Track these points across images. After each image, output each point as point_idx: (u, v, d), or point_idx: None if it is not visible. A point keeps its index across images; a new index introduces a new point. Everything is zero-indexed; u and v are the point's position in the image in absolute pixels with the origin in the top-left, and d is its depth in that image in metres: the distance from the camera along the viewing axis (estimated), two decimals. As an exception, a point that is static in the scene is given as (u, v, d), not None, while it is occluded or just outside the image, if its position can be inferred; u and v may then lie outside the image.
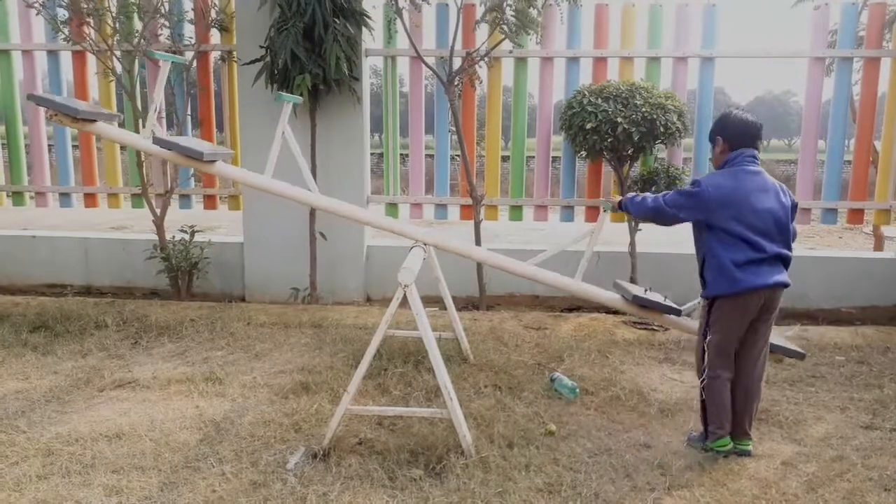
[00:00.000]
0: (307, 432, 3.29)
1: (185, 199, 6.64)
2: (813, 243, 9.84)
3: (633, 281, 5.76)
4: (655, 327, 5.22)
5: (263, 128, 5.84)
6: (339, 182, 6.01)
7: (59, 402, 3.60)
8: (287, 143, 3.97)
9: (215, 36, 6.32)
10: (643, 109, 5.32)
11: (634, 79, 5.99)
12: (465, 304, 5.92)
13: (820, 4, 5.92)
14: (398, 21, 5.72)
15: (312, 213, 5.86)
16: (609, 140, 5.43)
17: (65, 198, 6.68)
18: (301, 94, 5.36)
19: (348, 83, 5.66)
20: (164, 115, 6.23)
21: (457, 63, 5.73)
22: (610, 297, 3.72)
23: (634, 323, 5.28)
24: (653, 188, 5.72)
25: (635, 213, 3.42)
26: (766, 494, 2.82)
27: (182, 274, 6.04)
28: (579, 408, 3.69)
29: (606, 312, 5.78)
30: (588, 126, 5.40)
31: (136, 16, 6.03)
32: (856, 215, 6.17)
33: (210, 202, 6.64)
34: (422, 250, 3.55)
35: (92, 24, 5.93)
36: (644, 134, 5.35)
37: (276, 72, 5.49)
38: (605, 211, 3.64)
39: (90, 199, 6.66)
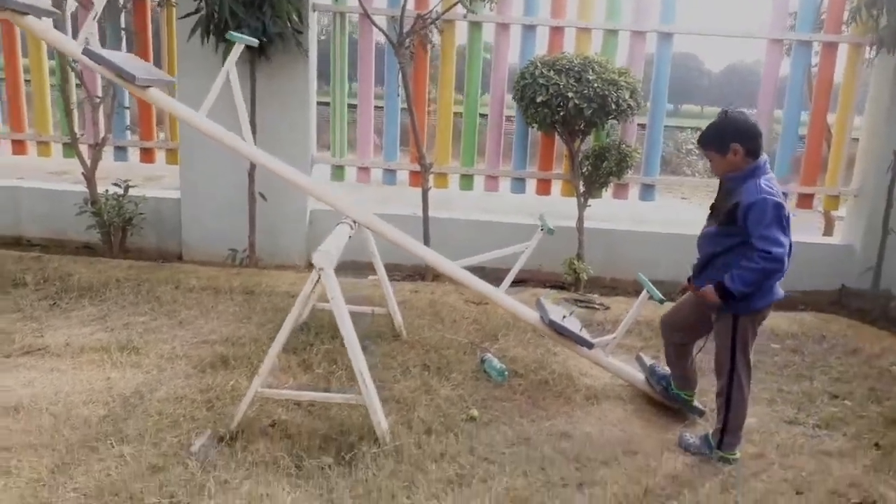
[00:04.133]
0: (219, 411, 3.16)
1: (121, 151, 6.33)
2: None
3: (579, 256, 5.70)
4: (596, 306, 5.17)
5: (202, 79, 5.54)
6: (282, 141, 5.77)
7: (-43, 370, 3.41)
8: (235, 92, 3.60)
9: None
10: (595, 85, 5.17)
11: (591, 51, 5.84)
12: (410, 273, 5.80)
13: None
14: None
15: (252, 171, 5.63)
16: (560, 114, 5.29)
17: (-9, 143, 6.34)
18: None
19: (293, 37, 5.39)
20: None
21: (408, 25, 5.48)
22: (531, 315, 3.62)
23: (577, 300, 5.23)
24: (603, 164, 5.61)
25: (741, 294, 2.87)
26: (679, 495, 2.79)
27: (115, 230, 5.79)
28: (506, 391, 3.62)
29: (552, 287, 5.74)
30: (539, 99, 5.25)
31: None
32: (806, 200, 6.15)
33: (147, 155, 6.34)
34: (349, 228, 3.40)
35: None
36: (595, 110, 5.22)
37: (212, 25, 5.20)
38: (541, 231, 3.49)
39: (18, 146, 6.32)
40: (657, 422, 3.45)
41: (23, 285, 4.59)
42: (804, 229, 9.41)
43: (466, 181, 6.23)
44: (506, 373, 3.75)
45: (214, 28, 5.18)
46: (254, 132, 5.55)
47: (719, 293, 2.91)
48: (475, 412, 3.32)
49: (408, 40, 5.54)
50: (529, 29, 5.91)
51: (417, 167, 5.77)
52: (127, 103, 6.25)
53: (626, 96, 5.28)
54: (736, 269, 2.85)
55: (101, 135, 5.80)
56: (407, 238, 3.63)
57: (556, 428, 3.27)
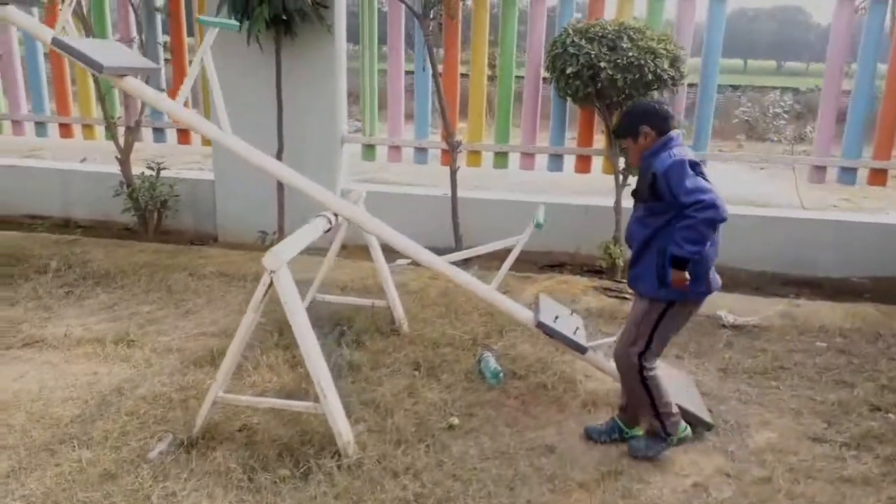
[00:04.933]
0: (193, 412, 3.08)
1: (160, 133, 6.40)
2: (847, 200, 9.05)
3: (615, 240, 5.32)
4: (626, 296, 4.81)
5: (233, 58, 5.49)
6: (309, 121, 5.65)
7: (-41, 362, 3.50)
8: (211, 78, 3.48)
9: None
10: (631, 53, 4.73)
11: (634, 15, 5.36)
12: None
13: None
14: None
15: (279, 153, 5.55)
16: (592, 87, 4.89)
17: (40, 127, 6.53)
18: (258, 27, 4.97)
19: (317, 12, 5.21)
20: (136, 40, 5.90)
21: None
22: (525, 315, 3.34)
23: (605, 289, 4.89)
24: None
25: (694, 254, 2.69)
26: (654, 528, 2.50)
27: (149, 212, 5.87)
28: (499, 395, 3.38)
29: (588, 272, 5.40)
30: (569, 70, 4.86)
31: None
32: (878, 176, 5.49)
33: (184, 136, 6.37)
34: (326, 222, 3.21)
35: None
36: (632, 81, 4.78)
37: (236, 2, 5.09)
38: (535, 226, 3.18)
39: (65, 130, 6.49)
40: (660, 436, 3.13)
41: (46, 272, 4.69)
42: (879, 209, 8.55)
43: (500, 159, 5.92)
44: (500, 375, 3.50)
45: (238, 6, 5.07)
46: (280, 112, 5.48)
47: (677, 267, 2.71)
48: (455, 420, 3.11)
49: (433, 11, 5.25)
50: (567, -7, 5.49)
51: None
52: (163, 85, 6.28)
53: (666, 65, 4.81)
54: (676, 234, 2.68)
55: (134, 118, 5.86)
56: (408, 242, 3.40)
57: (541, 440, 3.01)
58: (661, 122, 2.83)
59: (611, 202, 5.37)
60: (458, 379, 3.49)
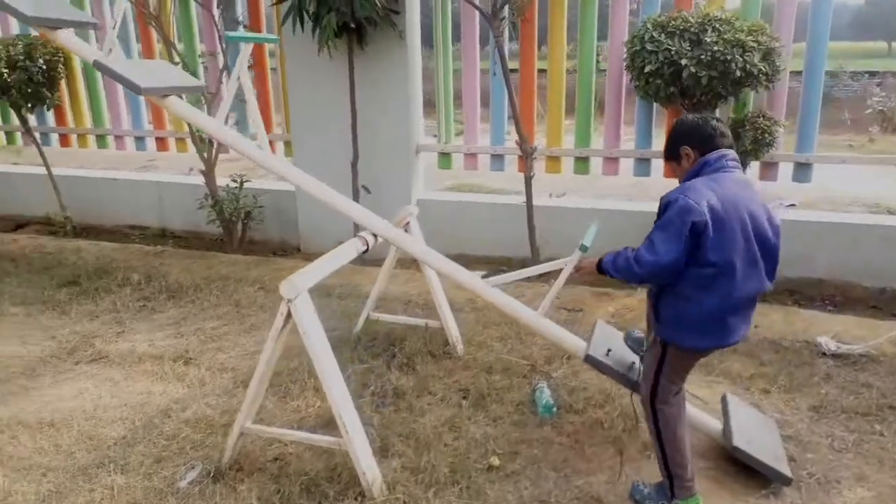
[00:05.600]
0: (231, 438, 3.05)
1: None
2: None
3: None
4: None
5: (305, 67, 5.51)
6: (384, 129, 5.56)
7: (30, 377, 3.65)
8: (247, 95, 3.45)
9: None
10: (715, 48, 4.28)
11: (723, 6, 4.88)
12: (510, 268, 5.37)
13: None
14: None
15: (354, 164, 5.50)
16: (675, 86, 4.49)
17: (139, 141, 6.85)
18: (328, 36, 4.92)
19: (387, 19, 5.10)
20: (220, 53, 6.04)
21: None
22: (575, 343, 3.05)
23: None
24: (738, 142, 4.71)
25: (615, 272, 2.55)
26: None
27: (233, 224, 6.00)
28: (550, 432, 3.11)
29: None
30: (647, 69, 4.48)
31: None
32: None
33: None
34: (360, 244, 3.07)
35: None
36: (717, 78, 4.34)
37: (304, 11, 5.06)
38: (580, 250, 2.88)
39: (161, 143, 6.77)
40: (727, 487, 2.76)
41: (127, 285, 4.87)
42: None
43: (581, 164, 5.59)
44: (554, 409, 3.23)
45: (304, 14, 5.05)
46: (354, 121, 5.43)
47: (598, 269, 2.64)
48: (496, 461, 2.88)
49: (504, 9, 5.01)
50: (652, -18, 5.07)
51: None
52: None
53: (756, 59, 4.32)
54: (624, 249, 2.52)
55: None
56: (441, 259, 3.22)
57: (588, 489, 2.73)
58: (703, 142, 2.49)
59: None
60: (508, 411, 3.25)
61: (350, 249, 3.00)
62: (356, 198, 5.60)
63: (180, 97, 3.51)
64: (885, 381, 3.51)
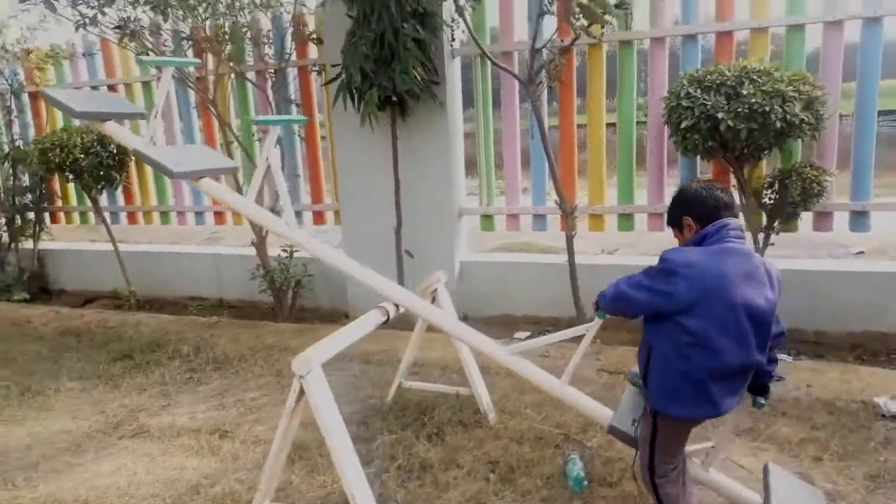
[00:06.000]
0: (255, 516, 3.04)
1: (298, 216, 6.72)
2: None
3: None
4: (777, 377, 4.11)
5: (359, 142, 5.66)
6: (426, 195, 5.64)
7: (74, 453, 3.76)
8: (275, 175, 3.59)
9: (314, 50, 6.26)
10: (753, 100, 4.16)
11: (767, 55, 4.77)
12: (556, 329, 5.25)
13: None
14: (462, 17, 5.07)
15: (398, 230, 5.58)
16: (714, 140, 4.38)
17: (199, 216, 7.16)
18: (371, 110, 5.07)
19: (428, 90, 5.22)
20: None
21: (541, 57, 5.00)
22: (600, 412, 2.95)
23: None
24: (786, 192, 4.54)
25: (610, 311, 2.64)
26: None
27: (283, 292, 6.14)
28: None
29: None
30: (684, 125, 4.39)
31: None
32: None
33: (319, 217, 6.65)
34: (382, 313, 3.07)
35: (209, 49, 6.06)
36: (757, 130, 4.20)
37: (352, 87, 5.25)
38: (599, 317, 2.80)
39: (219, 217, 7.05)
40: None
41: (178, 356, 5.02)
42: None
43: (625, 221, 5.48)
44: (584, 482, 3.08)
45: (352, 91, 5.23)
46: (398, 190, 5.52)
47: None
48: (519, 538, 2.77)
49: (539, 76, 5.05)
50: (689, 39, 5.02)
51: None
52: (298, 171, 6.62)
53: (797, 109, 4.17)
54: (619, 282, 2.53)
55: (267, 203, 6.22)
56: (455, 322, 3.20)
57: (614, 570, 2.57)
58: (702, 213, 2.47)
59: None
60: (537, 485, 3.13)
61: (370, 321, 3.02)
62: (400, 263, 5.66)
63: (217, 179, 3.69)
64: (954, 447, 3.20)
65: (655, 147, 5.22)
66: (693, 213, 2.49)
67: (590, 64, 5.28)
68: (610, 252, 6.78)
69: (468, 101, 5.77)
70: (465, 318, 5.88)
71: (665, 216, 2.68)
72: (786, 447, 3.30)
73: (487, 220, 5.91)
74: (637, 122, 5.33)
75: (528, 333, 5.29)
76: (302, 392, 2.65)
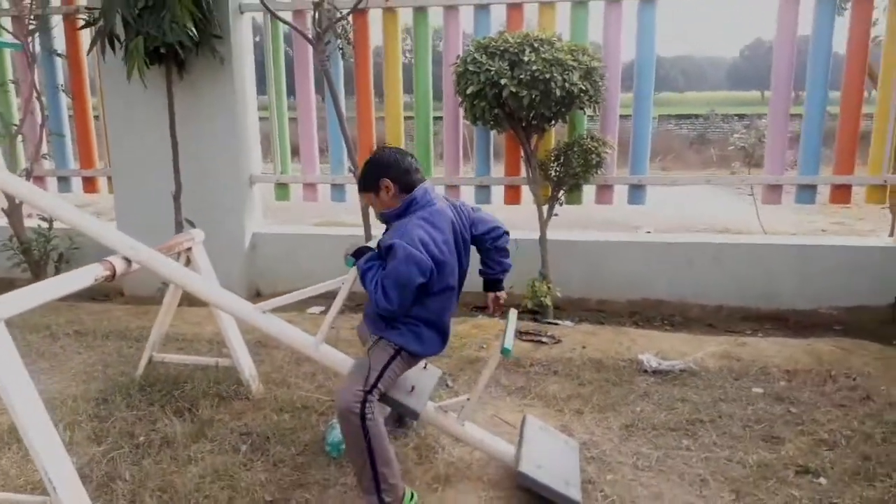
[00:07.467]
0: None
1: (64, 182, 5.96)
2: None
3: (542, 276, 4.71)
4: (544, 340, 4.17)
5: (130, 98, 5.09)
6: (211, 160, 5.19)
7: None
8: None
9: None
10: (534, 67, 4.19)
11: (556, 28, 4.86)
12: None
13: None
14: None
15: (176, 196, 5.06)
16: (498, 108, 4.37)
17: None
18: (136, 62, 4.54)
19: (208, 45, 4.78)
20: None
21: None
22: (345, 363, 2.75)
23: (522, 333, 4.26)
24: (570, 164, 4.65)
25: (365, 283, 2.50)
26: None
27: (40, 268, 5.40)
28: (335, 472, 2.74)
29: (525, 312, 4.75)
30: (470, 90, 4.34)
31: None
32: (841, 193, 4.83)
33: (90, 185, 5.93)
34: (103, 269, 2.63)
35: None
36: (539, 98, 4.24)
37: (113, 36, 4.69)
38: (348, 265, 2.62)
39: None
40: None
41: None
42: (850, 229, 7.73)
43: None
44: (342, 447, 2.87)
45: (112, 39, 4.69)
46: (175, 155, 5.00)
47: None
48: (260, 510, 2.49)
49: (326, 36, 4.79)
50: (482, 9, 5.00)
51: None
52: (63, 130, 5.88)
53: (575, 78, 4.26)
54: (378, 268, 2.44)
55: (23, 166, 5.45)
56: (213, 291, 2.86)
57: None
58: (401, 176, 2.51)
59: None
60: (292, 453, 2.87)
61: (85, 275, 2.57)
62: (179, 229, 5.14)
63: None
64: (701, 394, 3.37)
65: (450, 121, 5.16)
66: (391, 174, 2.50)
67: (385, 30, 5.12)
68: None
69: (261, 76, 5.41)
70: (257, 294, 5.52)
71: (361, 183, 2.61)
72: (552, 403, 3.31)
73: (282, 189, 5.56)
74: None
75: (321, 308, 5.02)
76: (-18, 348, 2.18)
